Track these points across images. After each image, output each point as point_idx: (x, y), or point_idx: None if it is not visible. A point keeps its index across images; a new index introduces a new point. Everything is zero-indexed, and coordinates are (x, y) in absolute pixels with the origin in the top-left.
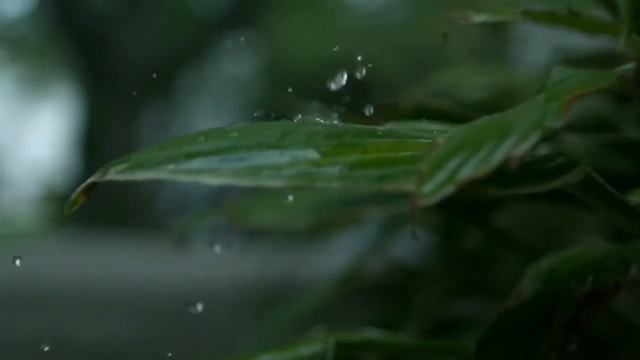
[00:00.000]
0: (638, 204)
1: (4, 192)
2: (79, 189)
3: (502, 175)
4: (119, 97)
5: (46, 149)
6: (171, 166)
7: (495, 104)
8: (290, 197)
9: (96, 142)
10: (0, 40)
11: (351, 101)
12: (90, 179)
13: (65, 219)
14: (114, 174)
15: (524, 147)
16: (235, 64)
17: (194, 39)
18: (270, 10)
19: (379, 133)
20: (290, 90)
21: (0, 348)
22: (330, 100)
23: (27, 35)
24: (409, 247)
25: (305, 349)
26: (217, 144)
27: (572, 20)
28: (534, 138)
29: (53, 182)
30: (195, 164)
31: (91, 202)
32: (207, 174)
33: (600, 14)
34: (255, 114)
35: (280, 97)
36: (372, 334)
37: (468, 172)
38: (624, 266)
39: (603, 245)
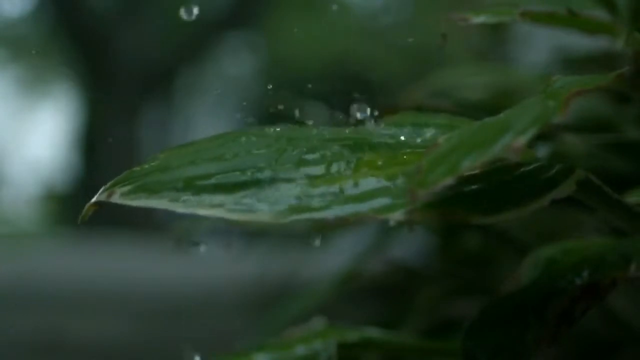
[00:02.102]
0: (637, 203)
1: (4, 192)
2: (87, 206)
3: (487, 199)
4: (119, 97)
5: (46, 149)
6: (171, 194)
7: (495, 104)
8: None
9: (96, 142)
10: (0, 40)
11: (350, 101)
12: (96, 199)
13: (81, 221)
14: (119, 197)
15: (522, 140)
16: (235, 64)
17: (194, 39)
18: (270, 10)
19: (373, 143)
20: (288, 89)
21: (0, 348)
22: (330, 100)
23: (27, 35)
24: (409, 247)
25: (302, 349)
26: (214, 166)
27: (572, 20)
28: (532, 131)
29: (53, 182)
30: (193, 195)
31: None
32: (203, 207)
33: (600, 14)
34: (250, 120)
35: (280, 97)
36: (372, 333)
37: (468, 163)
38: (625, 262)
39: (605, 239)
